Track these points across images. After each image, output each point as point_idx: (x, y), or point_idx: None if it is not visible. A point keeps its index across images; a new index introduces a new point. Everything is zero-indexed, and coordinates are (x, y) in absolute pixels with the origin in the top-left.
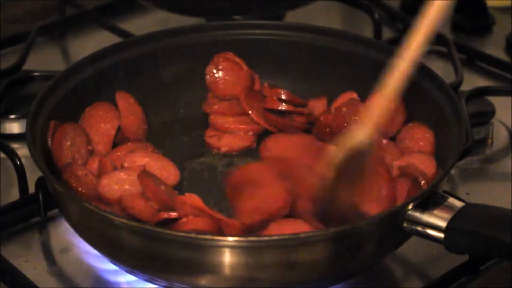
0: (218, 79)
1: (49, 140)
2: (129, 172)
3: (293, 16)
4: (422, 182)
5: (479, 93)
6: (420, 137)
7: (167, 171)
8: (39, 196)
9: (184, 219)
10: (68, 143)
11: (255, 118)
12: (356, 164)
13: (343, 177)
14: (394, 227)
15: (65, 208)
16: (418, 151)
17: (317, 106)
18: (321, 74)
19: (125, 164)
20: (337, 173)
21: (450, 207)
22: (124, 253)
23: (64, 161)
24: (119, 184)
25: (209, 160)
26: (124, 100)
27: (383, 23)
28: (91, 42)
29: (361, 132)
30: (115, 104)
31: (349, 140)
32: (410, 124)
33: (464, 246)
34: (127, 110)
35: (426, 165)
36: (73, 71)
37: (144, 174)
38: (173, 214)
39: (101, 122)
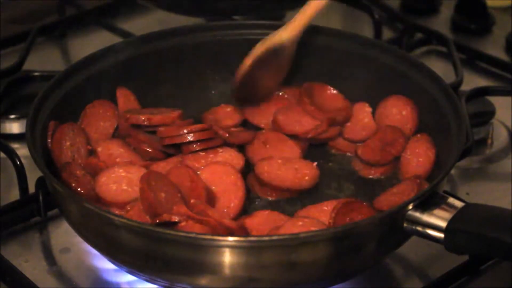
0: None
1: (49, 140)
2: (127, 169)
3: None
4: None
5: (479, 93)
6: (422, 153)
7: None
8: (39, 196)
9: (184, 223)
10: (68, 143)
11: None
12: (276, 58)
13: (264, 67)
14: (394, 227)
15: (65, 208)
16: (416, 166)
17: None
18: (321, 74)
19: (99, 149)
20: (259, 63)
21: (450, 207)
22: (124, 253)
23: (64, 161)
24: (117, 183)
25: None
26: (125, 97)
27: (383, 23)
28: (91, 42)
29: (285, 32)
30: (116, 103)
31: (274, 37)
32: (418, 135)
33: (464, 246)
34: (127, 107)
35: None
36: (73, 71)
37: (151, 176)
38: (175, 218)
39: (100, 121)
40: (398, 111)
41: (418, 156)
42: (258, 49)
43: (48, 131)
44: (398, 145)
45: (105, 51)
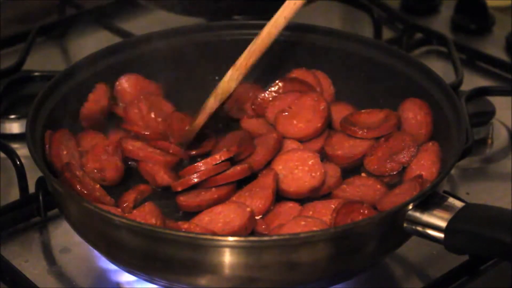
0: None
1: (47, 152)
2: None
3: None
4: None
5: (479, 93)
6: (426, 166)
7: None
8: (39, 196)
9: (186, 226)
10: (65, 152)
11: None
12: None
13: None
14: (394, 227)
15: (65, 208)
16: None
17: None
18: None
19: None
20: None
21: (450, 207)
22: (124, 253)
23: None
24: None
25: None
26: (101, 89)
27: (383, 23)
28: (91, 42)
29: (232, 79)
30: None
31: (222, 88)
32: (430, 144)
33: (464, 246)
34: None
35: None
36: (73, 71)
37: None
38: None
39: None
40: (414, 116)
41: (422, 169)
42: (212, 105)
43: (45, 143)
44: (408, 154)
45: (105, 51)
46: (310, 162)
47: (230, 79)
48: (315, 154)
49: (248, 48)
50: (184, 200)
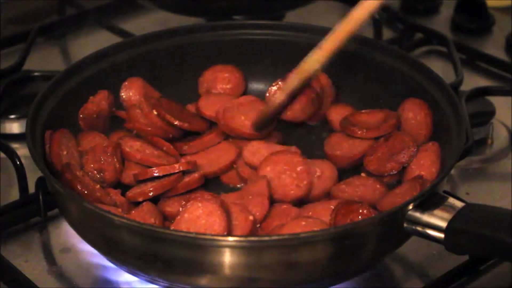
0: None
1: (47, 152)
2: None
3: (293, 16)
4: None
5: (479, 93)
6: (426, 165)
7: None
8: (39, 196)
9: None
10: (65, 152)
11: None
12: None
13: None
14: (394, 227)
15: (65, 208)
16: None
17: None
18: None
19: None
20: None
21: (450, 207)
22: (124, 253)
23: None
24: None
25: None
26: (102, 93)
27: (383, 23)
28: (91, 42)
29: (317, 60)
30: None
31: (304, 68)
32: (430, 144)
33: (464, 246)
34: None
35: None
36: (73, 71)
37: None
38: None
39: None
40: (414, 116)
41: (422, 169)
42: (293, 82)
43: (45, 143)
44: (408, 154)
45: (105, 51)
46: (298, 169)
47: (313, 60)
48: (305, 159)
49: (335, 29)
50: (171, 210)
